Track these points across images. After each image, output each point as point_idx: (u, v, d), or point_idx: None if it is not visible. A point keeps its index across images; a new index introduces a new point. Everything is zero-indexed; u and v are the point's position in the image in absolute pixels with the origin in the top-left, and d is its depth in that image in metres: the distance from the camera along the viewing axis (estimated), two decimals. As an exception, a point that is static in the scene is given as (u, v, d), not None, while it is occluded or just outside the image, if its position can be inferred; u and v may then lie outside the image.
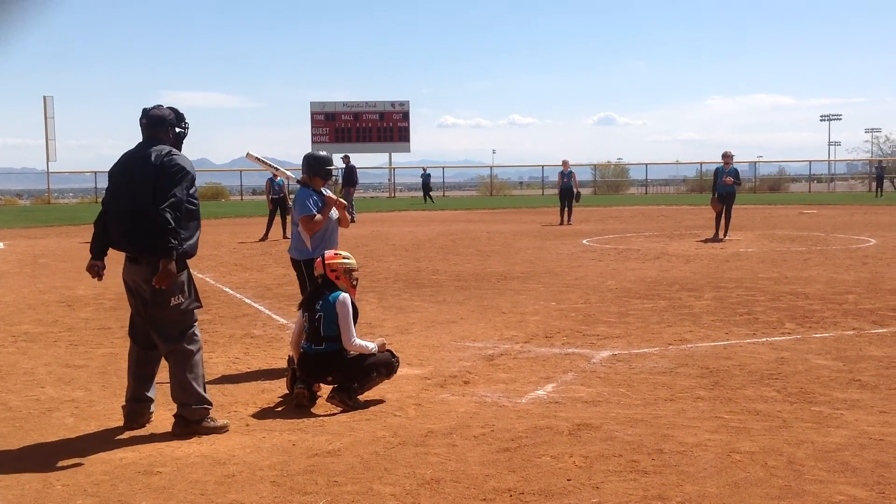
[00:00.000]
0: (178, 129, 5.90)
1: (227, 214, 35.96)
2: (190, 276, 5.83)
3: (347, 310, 6.37)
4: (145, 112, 5.87)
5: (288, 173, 8.16)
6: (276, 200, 22.45)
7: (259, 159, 7.65)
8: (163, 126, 5.82)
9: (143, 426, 5.87)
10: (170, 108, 5.93)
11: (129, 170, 5.72)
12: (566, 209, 27.35)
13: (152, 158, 5.61)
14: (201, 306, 5.99)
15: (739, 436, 5.38)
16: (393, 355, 6.58)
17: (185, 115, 5.98)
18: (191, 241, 5.73)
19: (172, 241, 5.45)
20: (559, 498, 4.43)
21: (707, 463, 4.89)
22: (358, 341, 6.35)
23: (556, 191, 28.20)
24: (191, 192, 5.68)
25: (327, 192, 7.45)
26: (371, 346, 6.42)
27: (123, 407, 5.93)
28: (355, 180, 28.83)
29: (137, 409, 5.90)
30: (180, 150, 5.90)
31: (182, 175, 5.60)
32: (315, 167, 7.43)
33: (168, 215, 5.45)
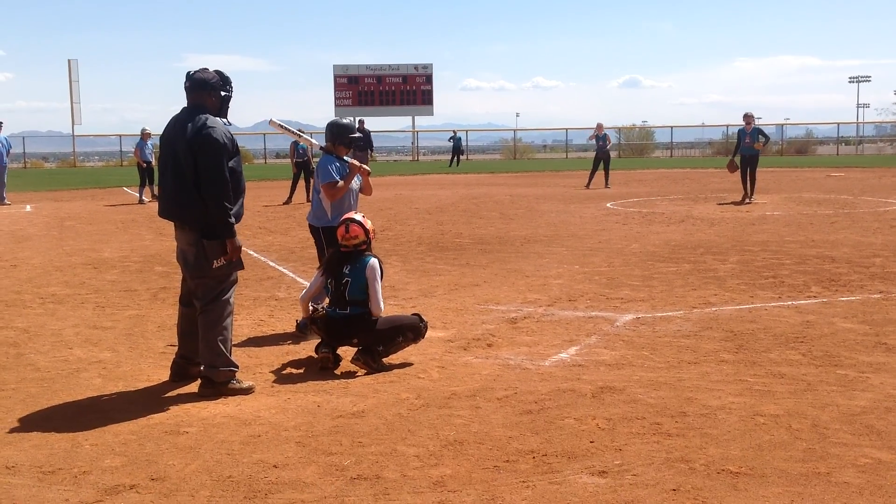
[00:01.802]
0: (222, 93, 5.89)
1: (252, 178, 35.96)
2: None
3: (377, 275, 6.39)
4: (189, 76, 5.86)
5: (311, 140, 8.14)
6: (301, 164, 22.48)
7: (282, 126, 7.64)
8: (205, 90, 5.81)
9: (188, 382, 5.98)
10: (215, 72, 5.92)
11: (171, 141, 5.79)
12: (605, 173, 26.65)
13: (188, 133, 5.64)
14: (243, 268, 6.04)
15: (764, 399, 5.37)
16: (421, 319, 6.57)
17: (231, 79, 5.97)
18: (235, 210, 5.86)
19: (230, 220, 5.70)
20: (582, 460, 4.44)
21: (731, 426, 4.89)
22: (383, 306, 6.40)
23: (581, 154, 27.87)
24: (230, 163, 5.71)
25: (350, 159, 7.44)
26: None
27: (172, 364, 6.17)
28: (371, 145, 29.29)
29: (183, 365, 6.08)
30: (226, 113, 5.92)
31: (218, 151, 5.65)
32: (338, 135, 7.42)
33: (220, 200, 5.64)
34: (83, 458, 4.61)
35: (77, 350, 7.03)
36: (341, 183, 7.24)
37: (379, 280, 6.41)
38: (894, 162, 43.05)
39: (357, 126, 28.87)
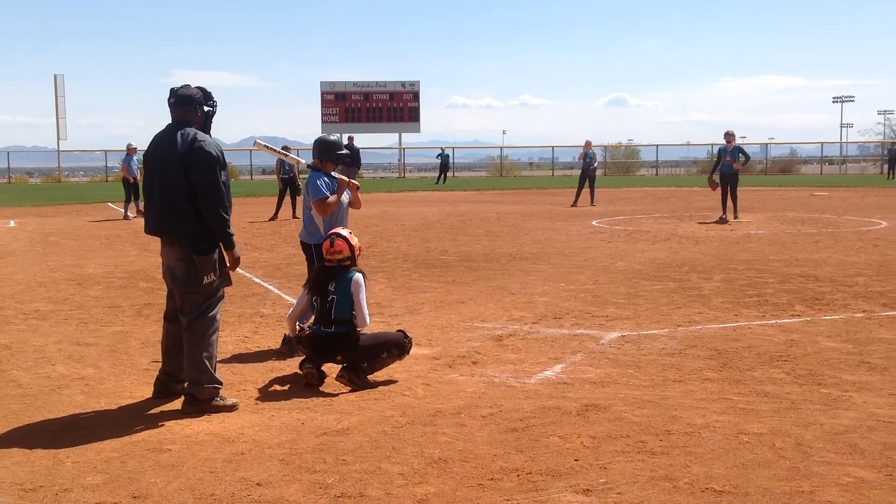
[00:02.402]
0: (206, 108, 5.91)
1: (238, 194, 35.87)
2: (221, 255, 5.87)
3: (362, 289, 6.38)
4: (173, 92, 5.87)
5: (298, 159, 8.14)
6: (287, 180, 22.49)
7: (267, 146, 7.65)
8: (190, 105, 5.82)
9: (171, 399, 5.95)
10: (198, 88, 5.94)
11: (159, 158, 5.78)
12: (591, 191, 26.73)
13: (178, 147, 5.64)
14: (231, 283, 6.05)
15: (748, 417, 5.38)
16: (406, 336, 6.57)
17: (213, 94, 6.00)
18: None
19: (230, 232, 5.77)
20: (567, 478, 4.44)
21: (715, 444, 4.89)
22: (369, 320, 6.42)
23: (567, 172, 27.95)
24: (222, 177, 5.73)
25: (338, 175, 7.44)
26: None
27: (155, 380, 6.13)
28: (359, 163, 29.22)
29: (167, 382, 6.04)
30: (209, 128, 5.94)
31: (213, 164, 5.67)
32: (326, 152, 7.42)
33: (219, 212, 5.68)
34: (65, 476, 4.58)
35: (60, 366, 6.98)
36: (332, 198, 7.25)
37: (363, 293, 6.40)
38: (877, 181, 43.36)
39: (346, 143, 28.91)
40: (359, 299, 6.35)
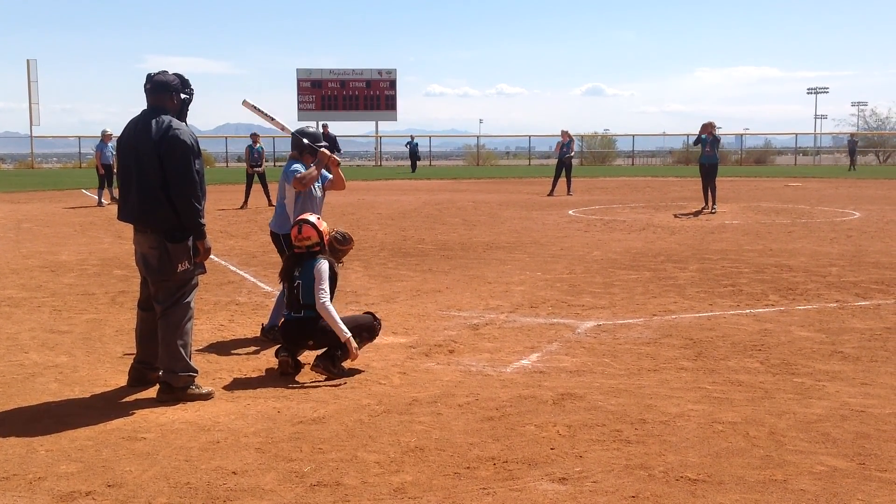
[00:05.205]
0: (183, 95, 5.85)
1: (212, 181, 35.74)
2: (195, 243, 5.81)
3: (322, 274, 6.31)
4: (149, 78, 5.82)
5: (283, 124, 8.04)
6: (254, 167, 22.44)
7: (256, 108, 7.56)
8: (167, 92, 5.77)
9: (146, 387, 5.91)
10: (175, 74, 5.88)
11: (133, 145, 5.71)
12: (567, 180, 26.80)
13: (153, 134, 5.58)
14: (205, 271, 6.01)
15: (722, 406, 5.42)
16: (375, 318, 6.58)
17: (190, 81, 5.94)
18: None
19: (201, 222, 5.71)
20: (543, 466, 4.45)
21: (689, 433, 4.93)
22: (329, 307, 6.21)
23: (543, 161, 27.95)
24: (196, 166, 5.68)
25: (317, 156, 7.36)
26: (345, 330, 6.19)
27: (130, 369, 6.09)
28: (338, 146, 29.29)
29: (141, 370, 6.01)
30: (185, 116, 5.88)
31: (187, 153, 5.62)
32: (302, 143, 7.36)
33: (191, 201, 5.62)
34: (38, 464, 4.54)
35: (33, 354, 6.92)
36: (312, 170, 7.15)
37: (325, 280, 6.27)
38: (850, 173, 43.72)
39: (321, 131, 28.78)
40: (317, 284, 6.22)
